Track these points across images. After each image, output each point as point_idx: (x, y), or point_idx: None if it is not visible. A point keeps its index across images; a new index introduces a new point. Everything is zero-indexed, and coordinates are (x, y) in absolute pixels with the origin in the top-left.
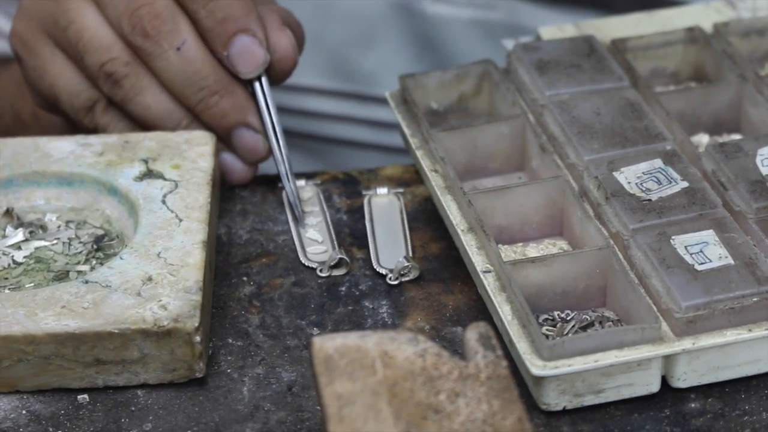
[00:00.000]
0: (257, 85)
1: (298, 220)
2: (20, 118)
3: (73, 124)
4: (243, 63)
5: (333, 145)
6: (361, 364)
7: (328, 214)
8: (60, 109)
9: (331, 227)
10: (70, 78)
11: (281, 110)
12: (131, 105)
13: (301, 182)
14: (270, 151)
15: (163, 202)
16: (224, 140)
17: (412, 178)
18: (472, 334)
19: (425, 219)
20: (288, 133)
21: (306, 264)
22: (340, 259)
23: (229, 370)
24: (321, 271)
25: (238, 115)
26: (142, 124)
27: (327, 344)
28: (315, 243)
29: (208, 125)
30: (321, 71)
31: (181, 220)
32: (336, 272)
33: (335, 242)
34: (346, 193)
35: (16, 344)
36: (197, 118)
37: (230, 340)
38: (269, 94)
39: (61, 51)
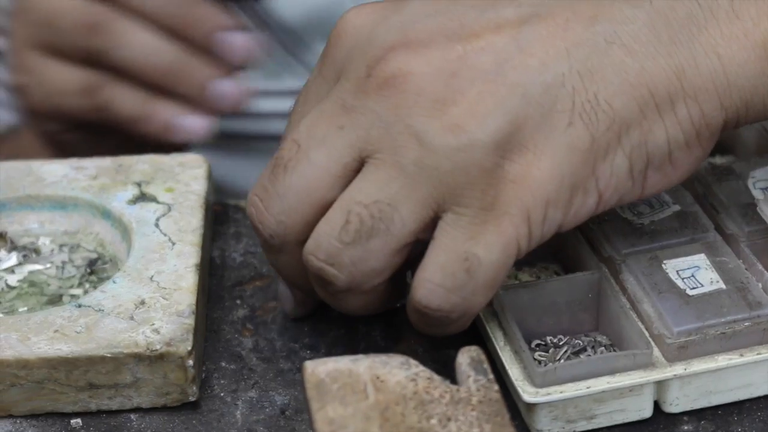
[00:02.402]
0: None
1: None
2: None
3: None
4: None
5: None
6: (353, 388)
7: None
8: (68, 113)
9: None
10: (63, 71)
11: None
12: (120, 51)
13: None
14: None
15: (156, 225)
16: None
17: None
18: (464, 358)
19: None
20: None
21: None
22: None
23: (222, 394)
24: None
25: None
26: (134, 73)
27: (319, 368)
28: None
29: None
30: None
31: (174, 244)
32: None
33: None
34: None
35: (9, 369)
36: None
37: (223, 364)
38: None
39: (47, 56)
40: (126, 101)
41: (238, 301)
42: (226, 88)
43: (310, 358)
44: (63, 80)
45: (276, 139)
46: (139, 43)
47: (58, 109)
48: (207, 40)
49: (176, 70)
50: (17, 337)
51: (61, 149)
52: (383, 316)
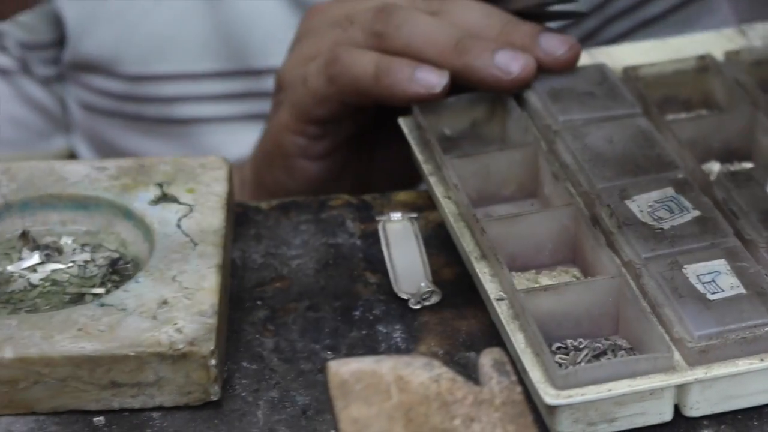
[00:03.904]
0: None
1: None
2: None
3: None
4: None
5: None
6: (377, 388)
7: (420, 247)
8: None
9: (423, 260)
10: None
11: (147, 100)
12: (402, 30)
13: (397, 215)
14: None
15: (178, 226)
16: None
17: (425, 203)
18: (487, 359)
19: (438, 244)
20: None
21: (399, 295)
22: (432, 291)
23: (243, 394)
24: (411, 302)
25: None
26: (416, 52)
27: (343, 369)
28: (406, 275)
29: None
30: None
31: (196, 244)
32: (426, 303)
33: (426, 274)
34: (360, 217)
35: (33, 366)
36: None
37: (245, 364)
38: None
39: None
40: (364, 59)
41: (259, 302)
42: (509, 59)
43: (330, 359)
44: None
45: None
46: (424, 23)
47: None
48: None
49: (462, 47)
50: (41, 335)
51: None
52: (403, 319)
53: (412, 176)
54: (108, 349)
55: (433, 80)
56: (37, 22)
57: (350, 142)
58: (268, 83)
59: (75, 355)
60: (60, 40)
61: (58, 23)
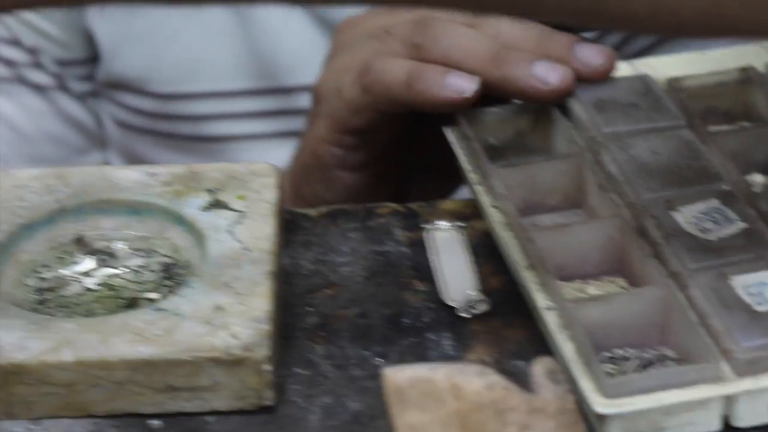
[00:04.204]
0: None
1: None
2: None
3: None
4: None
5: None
6: (432, 395)
7: (467, 255)
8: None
9: (470, 268)
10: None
11: (179, 118)
12: (440, 41)
13: (444, 223)
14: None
15: (231, 232)
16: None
17: (471, 212)
18: (540, 368)
19: (484, 253)
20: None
21: (448, 303)
22: (481, 299)
23: (297, 399)
24: (460, 310)
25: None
26: (455, 62)
27: (398, 375)
28: (454, 283)
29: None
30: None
31: (248, 251)
32: (474, 311)
33: (474, 283)
34: (407, 226)
35: (91, 369)
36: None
37: (297, 369)
38: None
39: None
40: (396, 67)
41: (310, 309)
42: (547, 70)
43: (381, 366)
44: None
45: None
46: (462, 34)
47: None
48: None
49: (500, 58)
50: (99, 338)
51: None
52: (452, 326)
53: (447, 185)
54: (165, 354)
55: (464, 85)
56: (71, 39)
57: (387, 152)
58: (299, 101)
59: (132, 359)
60: (94, 57)
61: (91, 41)
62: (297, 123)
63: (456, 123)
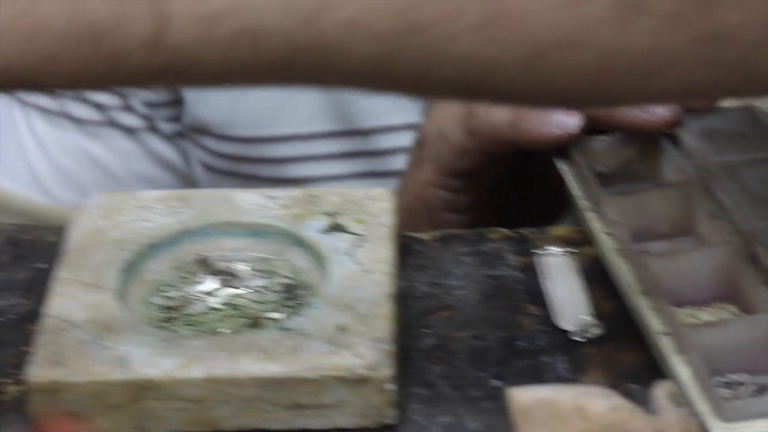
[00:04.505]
0: None
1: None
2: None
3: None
4: None
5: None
6: (558, 416)
7: (580, 280)
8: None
9: (583, 293)
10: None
11: (261, 161)
12: None
13: (555, 249)
14: None
15: (350, 255)
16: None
17: (580, 238)
18: (662, 391)
19: (595, 279)
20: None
21: (561, 327)
22: (594, 323)
23: (417, 418)
24: (573, 334)
25: None
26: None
27: (523, 396)
28: (567, 307)
29: None
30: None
31: (368, 273)
32: (588, 336)
33: (587, 307)
34: (518, 251)
35: (220, 386)
36: None
37: (416, 389)
38: None
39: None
40: (499, 108)
41: (426, 330)
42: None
43: (499, 387)
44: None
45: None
46: None
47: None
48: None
49: None
50: (226, 356)
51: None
52: (566, 350)
53: (547, 215)
54: (291, 372)
55: (569, 121)
56: None
57: (492, 191)
58: (376, 142)
59: (260, 377)
60: (181, 99)
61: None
62: (374, 164)
63: (566, 152)
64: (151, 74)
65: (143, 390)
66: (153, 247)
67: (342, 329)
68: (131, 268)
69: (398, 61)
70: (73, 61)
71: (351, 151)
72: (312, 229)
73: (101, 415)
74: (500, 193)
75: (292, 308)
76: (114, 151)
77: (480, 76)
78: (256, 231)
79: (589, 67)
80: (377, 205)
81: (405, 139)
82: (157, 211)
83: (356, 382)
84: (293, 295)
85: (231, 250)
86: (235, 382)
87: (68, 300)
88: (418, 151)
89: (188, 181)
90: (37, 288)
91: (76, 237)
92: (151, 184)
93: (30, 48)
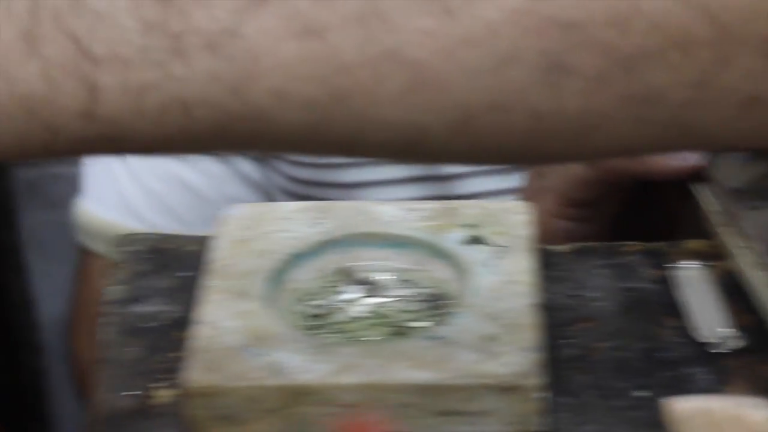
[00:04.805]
0: None
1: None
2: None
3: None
4: None
5: None
6: (715, 426)
7: (716, 293)
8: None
9: (721, 306)
10: None
11: (332, 185)
12: None
13: (691, 262)
14: None
15: (491, 266)
16: None
17: (714, 252)
18: None
19: (731, 292)
20: None
21: (701, 340)
22: (734, 336)
23: (565, 427)
24: (713, 346)
25: None
26: None
27: (681, 405)
28: (705, 320)
29: None
30: None
31: (511, 284)
32: (727, 348)
33: (726, 320)
34: (653, 264)
35: (373, 392)
36: None
37: (561, 399)
38: None
39: None
40: None
41: (568, 341)
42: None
43: (644, 397)
44: None
45: None
46: None
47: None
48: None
49: None
50: (378, 363)
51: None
52: (706, 362)
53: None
54: (442, 379)
55: (691, 153)
56: None
57: (612, 219)
58: (444, 166)
59: (412, 383)
60: None
61: None
62: (443, 188)
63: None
64: (88, 144)
65: (298, 395)
66: (296, 257)
67: (489, 338)
68: (278, 277)
69: (328, 126)
70: (11, 134)
71: (420, 175)
72: (452, 241)
73: (256, 420)
74: (620, 219)
75: (436, 318)
76: (205, 174)
77: (412, 140)
78: (396, 242)
79: (521, 128)
80: (515, 218)
81: (483, 184)
82: (299, 222)
83: (506, 390)
84: (436, 305)
85: (372, 260)
86: (387, 388)
87: (218, 307)
88: (537, 181)
89: (275, 201)
90: (180, 296)
91: (221, 247)
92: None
93: None
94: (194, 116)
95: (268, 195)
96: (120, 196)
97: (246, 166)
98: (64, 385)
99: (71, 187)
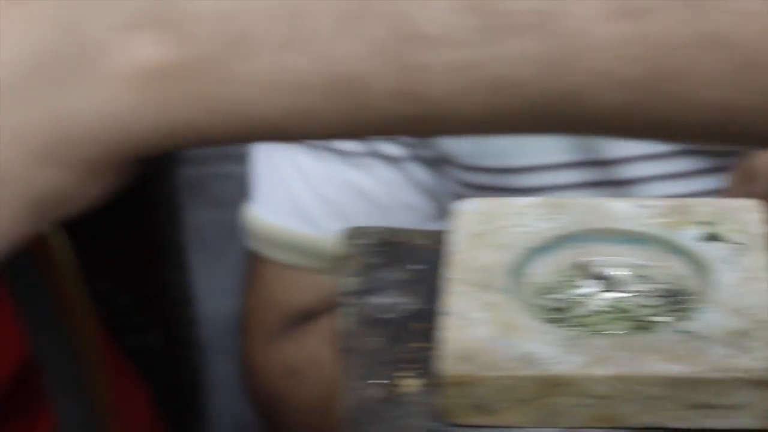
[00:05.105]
0: None
1: None
2: None
3: None
4: None
5: None
6: None
7: None
8: None
9: None
10: None
11: (507, 190)
12: None
13: None
14: None
15: (732, 263)
16: None
17: None
18: None
19: None
20: None
21: None
22: None
23: None
24: None
25: None
26: None
27: None
28: None
29: None
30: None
31: (755, 280)
32: None
33: None
34: None
35: (627, 384)
36: None
37: None
38: None
39: None
40: None
41: None
42: None
43: None
44: None
45: None
46: None
47: None
48: None
49: None
50: (629, 356)
51: None
52: None
53: None
54: (696, 372)
55: None
56: None
57: None
58: (619, 172)
59: (666, 376)
60: None
61: None
62: (618, 194)
63: None
64: (400, 125)
65: (552, 386)
66: (533, 251)
67: (739, 333)
68: (516, 271)
69: (644, 108)
70: (330, 114)
71: (595, 180)
72: (688, 238)
73: (508, 409)
74: None
75: (677, 313)
76: (378, 180)
77: (724, 121)
78: (632, 238)
79: None
80: (750, 216)
81: (647, 169)
82: (533, 217)
83: (759, 384)
84: (677, 301)
85: (607, 255)
86: (641, 381)
87: (464, 299)
88: (743, 186)
89: (447, 207)
90: (415, 288)
91: (458, 240)
92: (415, 212)
93: (290, 102)
94: (509, 96)
95: (441, 201)
96: (294, 202)
97: (420, 172)
98: (224, 383)
99: (235, 186)
